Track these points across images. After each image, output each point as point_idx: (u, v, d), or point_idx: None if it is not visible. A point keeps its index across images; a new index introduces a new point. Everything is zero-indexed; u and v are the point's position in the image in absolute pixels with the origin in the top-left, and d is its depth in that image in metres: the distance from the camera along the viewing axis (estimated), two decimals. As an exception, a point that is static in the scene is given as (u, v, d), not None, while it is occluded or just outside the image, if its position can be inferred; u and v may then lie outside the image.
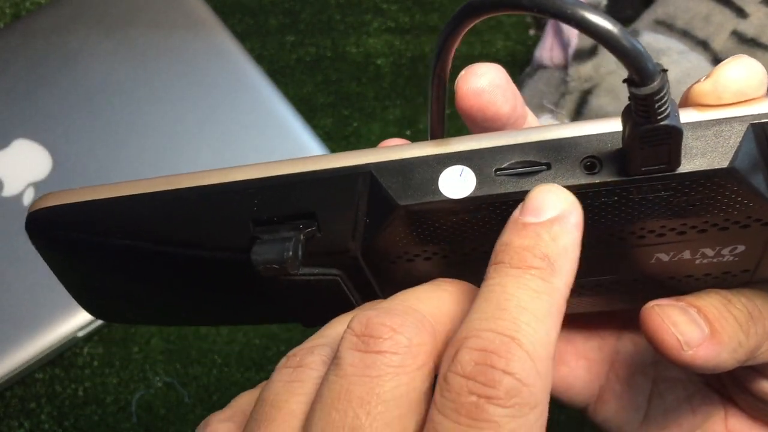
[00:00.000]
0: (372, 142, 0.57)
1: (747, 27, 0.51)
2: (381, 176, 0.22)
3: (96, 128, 0.53)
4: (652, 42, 0.50)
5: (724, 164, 0.20)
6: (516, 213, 0.20)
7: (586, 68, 0.50)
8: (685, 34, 0.52)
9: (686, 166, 0.21)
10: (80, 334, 0.49)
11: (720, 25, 0.51)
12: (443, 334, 0.21)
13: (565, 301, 0.20)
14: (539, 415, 0.18)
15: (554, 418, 0.50)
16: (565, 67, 0.52)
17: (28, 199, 0.51)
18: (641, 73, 0.18)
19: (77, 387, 0.51)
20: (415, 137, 0.57)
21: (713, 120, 0.21)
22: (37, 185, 0.52)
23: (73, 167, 0.52)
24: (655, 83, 0.18)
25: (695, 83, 0.22)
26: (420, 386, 0.20)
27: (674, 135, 0.19)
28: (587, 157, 0.21)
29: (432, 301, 0.22)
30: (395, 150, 0.23)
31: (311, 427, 0.19)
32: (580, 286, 0.25)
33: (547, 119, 0.51)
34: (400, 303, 0.22)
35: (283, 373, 0.21)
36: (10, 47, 0.55)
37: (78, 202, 0.25)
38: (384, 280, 0.25)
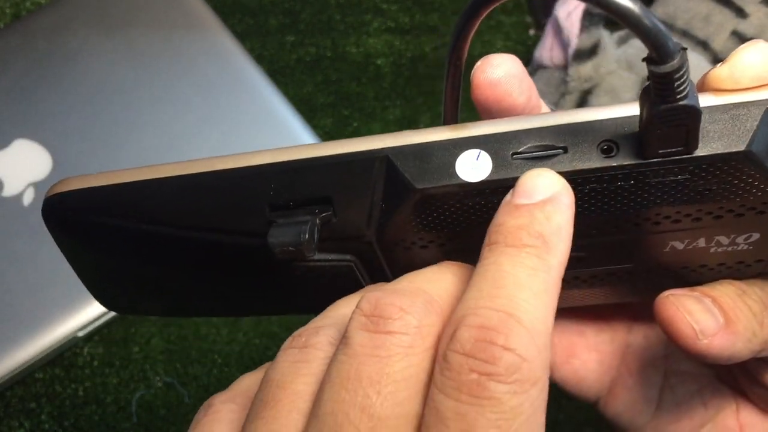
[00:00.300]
0: (372, 142, 0.57)
1: (747, 27, 0.51)
2: (398, 160, 0.22)
3: (96, 128, 0.53)
4: (652, 42, 0.50)
5: (741, 147, 0.20)
6: (508, 196, 0.20)
7: (586, 68, 0.50)
8: (685, 34, 0.52)
9: (703, 149, 0.21)
10: (80, 334, 0.49)
11: (720, 25, 0.51)
12: (450, 316, 0.21)
13: (560, 278, 0.20)
14: (540, 391, 0.18)
15: (554, 418, 0.50)
16: (565, 67, 0.52)
17: (28, 199, 0.51)
18: (661, 50, 0.18)
19: (77, 387, 0.51)
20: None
21: (730, 104, 0.21)
22: (37, 185, 0.52)
23: (73, 167, 0.52)
24: (675, 61, 0.18)
25: (712, 69, 0.22)
26: (428, 367, 0.20)
27: (693, 115, 0.19)
28: (604, 141, 0.21)
29: (440, 283, 0.22)
30: (412, 134, 0.23)
31: (320, 407, 0.19)
32: (593, 276, 0.25)
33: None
34: (408, 284, 0.22)
35: (288, 354, 0.21)
36: (10, 47, 0.55)
37: (96, 187, 0.25)
38: (398, 266, 0.25)
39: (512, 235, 0.20)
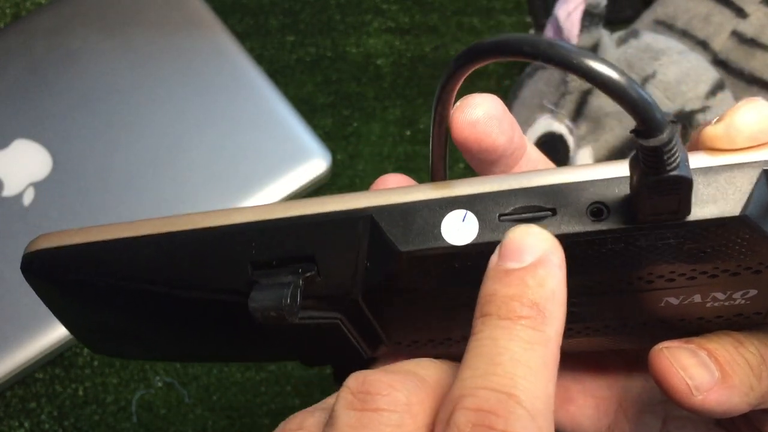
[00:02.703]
0: (372, 142, 0.57)
1: (747, 27, 0.51)
2: (382, 221, 0.22)
3: (96, 128, 0.53)
4: (652, 42, 0.50)
5: (736, 212, 0.20)
6: (495, 258, 0.20)
7: (585, 68, 0.49)
8: (685, 34, 0.52)
9: (697, 213, 0.20)
10: (80, 334, 0.49)
11: (720, 25, 0.51)
12: (442, 397, 0.20)
13: (559, 348, 0.19)
14: None
15: None
16: (564, 67, 0.52)
17: (28, 199, 0.51)
18: (650, 123, 0.18)
19: (77, 387, 0.51)
20: (415, 137, 0.57)
21: (725, 165, 0.20)
22: (37, 185, 0.52)
23: (73, 167, 0.52)
24: (665, 135, 0.18)
25: (707, 125, 0.21)
26: None
27: (684, 185, 0.19)
28: (594, 203, 0.21)
29: (432, 368, 0.21)
30: (396, 193, 0.22)
31: None
32: (588, 327, 0.25)
33: (546, 119, 0.51)
34: (398, 366, 0.21)
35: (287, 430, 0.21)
36: (10, 47, 0.55)
37: (73, 245, 0.24)
38: (386, 322, 0.24)
39: (506, 306, 0.19)
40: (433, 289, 0.22)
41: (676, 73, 0.48)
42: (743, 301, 0.23)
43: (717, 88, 0.48)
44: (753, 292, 0.22)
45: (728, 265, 0.21)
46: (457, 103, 0.24)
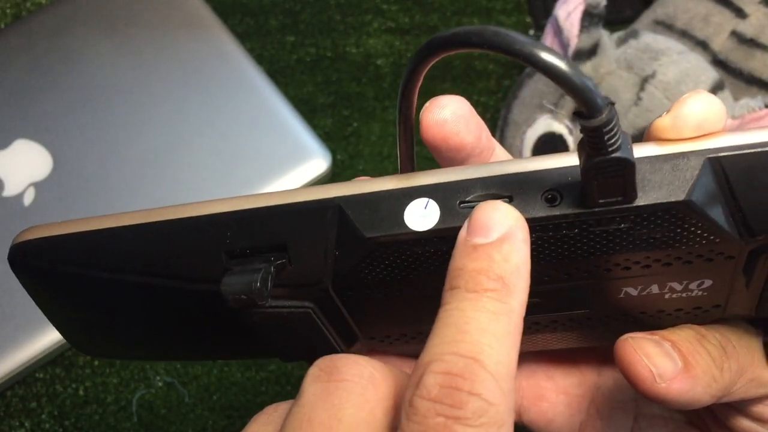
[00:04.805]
0: (372, 142, 0.57)
1: (746, 27, 0.51)
2: (349, 209, 0.23)
3: (96, 128, 0.53)
4: (652, 42, 0.50)
5: (681, 197, 0.21)
6: (463, 233, 0.20)
7: (585, 68, 0.50)
8: (685, 35, 0.52)
9: (643, 198, 0.21)
10: (81, 333, 0.49)
11: (719, 25, 0.51)
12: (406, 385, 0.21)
13: (522, 318, 0.20)
14: None
15: None
16: (564, 68, 0.52)
17: (28, 199, 0.51)
18: (590, 105, 0.19)
19: (78, 386, 0.51)
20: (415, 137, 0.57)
21: (671, 154, 0.21)
22: (37, 185, 0.52)
23: (74, 167, 0.52)
24: (604, 115, 0.19)
25: (657, 118, 0.22)
26: (381, 418, 0.20)
27: (626, 167, 0.20)
28: (548, 190, 0.22)
29: (397, 369, 0.22)
30: (363, 183, 0.23)
31: None
32: (554, 321, 0.26)
33: (546, 119, 0.51)
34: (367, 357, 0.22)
35: (258, 421, 0.22)
36: (11, 48, 0.55)
37: (58, 236, 0.25)
38: (356, 312, 0.25)
39: (473, 280, 0.20)
40: (399, 279, 0.23)
41: (675, 74, 0.48)
42: (700, 293, 0.24)
43: (716, 88, 0.48)
44: (708, 283, 0.23)
45: (679, 252, 0.22)
46: (426, 105, 0.25)
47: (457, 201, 0.22)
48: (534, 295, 0.21)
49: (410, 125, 0.23)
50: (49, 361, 0.51)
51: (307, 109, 0.57)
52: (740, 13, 0.51)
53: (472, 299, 0.20)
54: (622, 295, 0.24)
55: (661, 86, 0.48)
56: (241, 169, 0.52)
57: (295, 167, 0.52)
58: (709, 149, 0.21)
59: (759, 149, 0.21)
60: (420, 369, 0.19)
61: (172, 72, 0.55)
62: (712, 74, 0.49)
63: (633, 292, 0.24)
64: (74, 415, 0.50)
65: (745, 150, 0.21)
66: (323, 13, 0.61)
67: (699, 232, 0.21)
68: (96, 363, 0.52)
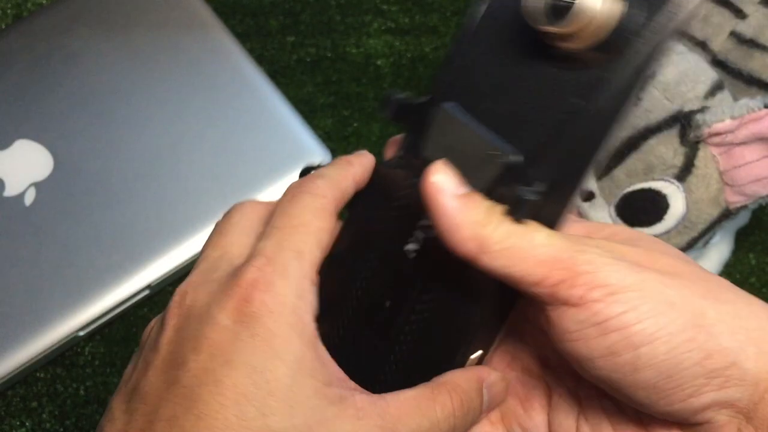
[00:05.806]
0: (372, 143, 0.57)
1: (746, 27, 0.51)
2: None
3: (97, 128, 0.53)
4: (651, 42, 0.50)
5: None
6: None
7: (585, 69, 0.50)
8: (684, 35, 0.52)
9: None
10: (81, 333, 0.49)
11: (719, 25, 0.51)
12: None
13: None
14: None
15: None
16: (564, 68, 0.52)
17: (29, 199, 0.52)
18: None
19: (79, 386, 0.51)
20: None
21: None
22: (38, 185, 0.52)
23: (75, 168, 0.52)
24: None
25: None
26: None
27: None
28: None
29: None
30: None
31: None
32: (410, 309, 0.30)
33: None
34: None
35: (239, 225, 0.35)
36: (11, 48, 0.56)
37: None
38: None
39: None
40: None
41: (674, 74, 0.48)
42: None
43: (716, 89, 0.48)
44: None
45: None
46: None
47: None
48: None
49: None
50: (49, 360, 0.51)
51: (307, 109, 0.58)
52: (740, 14, 0.51)
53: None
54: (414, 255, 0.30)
55: (660, 86, 0.48)
56: (241, 169, 0.53)
57: (295, 167, 0.52)
58: None
59: None
60: None
61: (172, 72, 0.55)
62: (711, 74, 0.49)
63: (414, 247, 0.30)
64: (75, 414, 0.50)
65: None
66: (323, 14, 0.61)
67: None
68: (97, 363, 0.52)
